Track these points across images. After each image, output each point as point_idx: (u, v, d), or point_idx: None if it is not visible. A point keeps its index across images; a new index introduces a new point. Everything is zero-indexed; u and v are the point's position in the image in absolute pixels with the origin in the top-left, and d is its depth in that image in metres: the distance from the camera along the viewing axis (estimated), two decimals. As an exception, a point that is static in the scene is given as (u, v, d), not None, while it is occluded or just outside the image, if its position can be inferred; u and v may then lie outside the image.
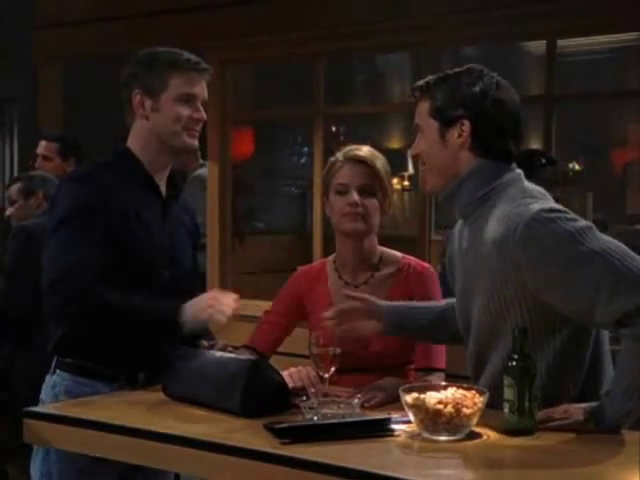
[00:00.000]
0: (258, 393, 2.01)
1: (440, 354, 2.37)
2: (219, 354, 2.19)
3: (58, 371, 2.32)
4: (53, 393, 2.33)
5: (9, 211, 4.13)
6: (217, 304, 2.14)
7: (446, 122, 2.04)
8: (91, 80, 5.83)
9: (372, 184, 2.37)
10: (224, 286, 5.41)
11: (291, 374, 2.21)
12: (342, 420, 1.89)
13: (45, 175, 4.15)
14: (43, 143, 4.58)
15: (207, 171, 5.48)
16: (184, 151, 2.38)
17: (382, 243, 2.48)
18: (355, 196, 2.34)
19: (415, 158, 2.17)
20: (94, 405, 2.13)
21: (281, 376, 2.10)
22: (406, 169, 8.43)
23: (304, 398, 2.11)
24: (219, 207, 5.37)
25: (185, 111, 2.29)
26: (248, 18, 5.21)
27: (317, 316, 2.41)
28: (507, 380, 1.87)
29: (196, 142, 2.34)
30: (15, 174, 6.05)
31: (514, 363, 1.88)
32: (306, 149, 7.29)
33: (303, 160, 7.77)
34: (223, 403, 2.03)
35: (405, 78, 7.07)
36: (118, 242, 2.24)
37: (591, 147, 8.29)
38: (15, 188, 4.10)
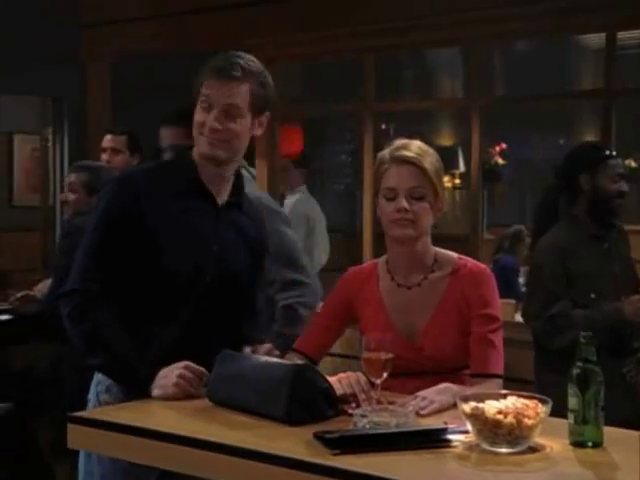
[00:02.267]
0: (303, 399, 1.92)
1: (497, 359, 2.25)
2: (264, 358, 2.10)
3: None
4: (96, 391, 2.31)
5: (67, 196, 4.03)
6: (187, 375, 2.13)
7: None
8: (138, 77, 5.81)
9: (421, 186, 2.24)
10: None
11: (340, 380, 2.10)
12: (396, 430, 1.79)
13: (112, 172, 4.06)
14: (109, 137, 4.49)
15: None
16: (207, 159, 2.27)
17: (433, 242, 2.38)
18: (403, 202, 2.22)
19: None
20: (136, 410, 2.06)
21: (328, 382, 2.01)
22: (457, 167, 8.30)
23: (354, 405, 2.03)
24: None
25: (203, 118, 2.22)
26: (295, 14, 5.14)
27: (368, 319, 2.33)
28: (571, 389, 1.76)
29: (217, 151, 2.22)
30: (65, 172, 6.04)
31: (578, 371, 1.77)
32: (355, 147, 7.21)
33: (352, 158, 7.68)
34: (267, 409, 1.94)
35: (456, 73, 6.94)
36: (156, 245, 2.20)
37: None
38: (80, 179, 3.99)
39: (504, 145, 8.58)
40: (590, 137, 6.34)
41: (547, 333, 3.22)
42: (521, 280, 6.25)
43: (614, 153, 3.35)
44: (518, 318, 3.96)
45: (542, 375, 3.34)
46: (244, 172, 5.42)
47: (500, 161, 8.68)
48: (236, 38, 5.31)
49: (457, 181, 8.57)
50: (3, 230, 6.32)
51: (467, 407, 1.75)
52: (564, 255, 3.22)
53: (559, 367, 3.24)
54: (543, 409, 1.74)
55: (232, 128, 2.21)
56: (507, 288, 4.97)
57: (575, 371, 1.77)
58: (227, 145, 2.22)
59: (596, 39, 4.32)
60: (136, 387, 2.15)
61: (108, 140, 4.48)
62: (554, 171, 3.45)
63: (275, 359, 2.12)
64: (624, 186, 3.32)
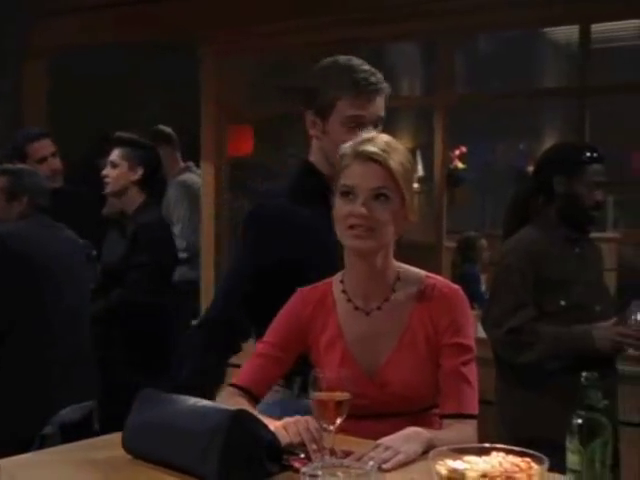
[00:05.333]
0: (241, 455, 1.56)
1: (471, 396, 1.91)
2: (192, 401, 1.72)
3: None
4: None
5: None
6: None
7: None
8: (75, 74, 5.43)
9: (385, 187, 1.87)
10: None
11: (287, 426, 1.74)
12: (353, 497, 1.43)
13: (35, 176, 3.62)
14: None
15: (191, 176, 5.05)
16: None
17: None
18: (361, 206, 1.86)
19: None
20: (36, 464, 1.67)
21: (271, 432, 1.64)
22: (415, 170, 8.01)
23: (302, 456, 1.67)
24: (215, 210, 4.93)
25: (351, 137, 2.03)
26: (245, 5, 4.77)
27: (323, 350, 1.96)
28: (571, 444, 1.42)
29: None
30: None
31: (580, 421, 1.43)
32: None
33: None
34: (196, 467, 1.58)
35: (416, 71, 6.64)
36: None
37: (613, 147, 7.81)
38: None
39: (464, 148, 8.31)
40: (556, 140, 6.05)
41: (508, 347, 2.91)
42: (483, 289, 5.95)
43: (596, 155, 3.00)
44: (481, 332, 3.59)
45: (503, 393, 3.02)
46: (193, 175, 5.10)
47: (460, 165, 8.41)
48: (187, 30, 4.96)
49: (416, 185, 8.28)
50: None
51: (443, 468, 1.40)
52: (534, 257, 2.91)
53: (523, 382, 2.99)
54: (538, 470, 1.40)
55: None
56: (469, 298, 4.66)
57: (575, 421, 1.43)
58: None
59: (567, 34, 4.02)
60: None
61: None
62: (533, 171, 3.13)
63: (207, 402, 1.74)
64: (601, 196, 2.98)
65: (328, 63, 2.27)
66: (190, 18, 4.93)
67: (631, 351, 2.95)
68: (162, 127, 4.99)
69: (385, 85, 2.23)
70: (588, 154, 2.98)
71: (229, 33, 4.85)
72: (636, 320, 2.81)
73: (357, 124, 2.16)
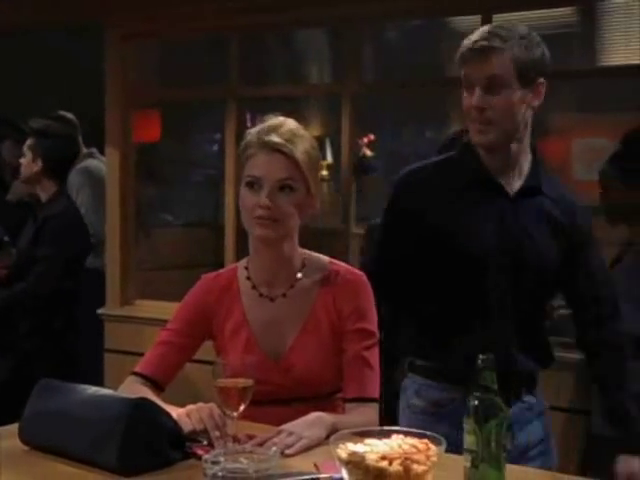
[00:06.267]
0: (141, 443, 1.55)
1: (374, 380, 1.93)
2: (92, 390, 1.69)
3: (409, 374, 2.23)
4: (405, 397, 2.21)
5: None
6: None
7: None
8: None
9: (291, 178, 1.88)
10: (126, 284, 4.91)
11: (190, 413, 1.73)
12: (255, 481, 1.44)
13: None
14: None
15: (94, 162, 4.95)
16: (479, 146, 2.14)
17: (301, 237, 2.01)
18: (267, 197, 1.86)
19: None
20: None
21: (172, 419, 1.63)
22: (324, 157, 8.04)
23: (205, 443, 1.67)
24: (120, 197, 4.84)
25: (467, 101, 2.07)
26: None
27: (227, 337, 1.96)
28: (468, 424, 1.45)
29: (483, 137, 2.08)
30: None
31: (476, 402, 1.46)
32: (219, 135, 6.79)
33: (216, 147, 7.28)
34: (96, 456, 1.55)
35: (325, 58, 6.66)
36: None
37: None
38: None
39: (372, 136, 8.37)
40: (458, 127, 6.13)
41: None
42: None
43: None
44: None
45: None
46: (96, 162, 5.00)
47: (368, 153, 8.47)
48: (92, 13, 4.84)
49: (324, 173, 8.32)
50: None
51: (343, 452, 1.41)
52: None
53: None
54: (435, 451, 1.42)
55: (496, 103, 2.03)
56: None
57: (472, 402, 1.46)
58: (494, 126, 2.04)
59: (471, 23, 4.08)
60: None
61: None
62: None
63: (108, 391, 1.72)
64: None
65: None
66: (95, 1, 4.82)
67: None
68: (63, 113, 4.87)
69: (497, 45, 2.01)
70: None
71: (135, 17, 4.76)
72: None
73: (468, 85, 2.06)
